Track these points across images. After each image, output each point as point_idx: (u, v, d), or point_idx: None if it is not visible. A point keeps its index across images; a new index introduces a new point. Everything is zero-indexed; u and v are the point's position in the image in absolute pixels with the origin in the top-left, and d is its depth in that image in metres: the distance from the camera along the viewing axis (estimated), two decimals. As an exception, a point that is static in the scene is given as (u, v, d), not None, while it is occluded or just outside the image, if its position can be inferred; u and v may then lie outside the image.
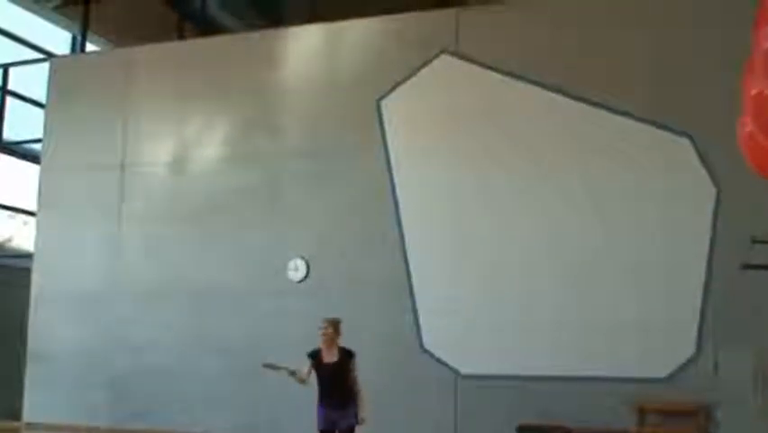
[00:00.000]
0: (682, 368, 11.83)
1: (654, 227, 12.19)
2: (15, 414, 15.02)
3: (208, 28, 17.86)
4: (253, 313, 13.90)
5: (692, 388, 11.67)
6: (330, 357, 8.01)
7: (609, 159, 12.52)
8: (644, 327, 11.97)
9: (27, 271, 15.66)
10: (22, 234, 17.92)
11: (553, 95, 12.83)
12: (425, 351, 13.01)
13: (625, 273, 12.23)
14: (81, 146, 15.64)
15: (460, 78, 13.45)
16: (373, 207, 13.57)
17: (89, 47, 18.14)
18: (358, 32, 14.40)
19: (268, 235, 14.13)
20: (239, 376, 13.78)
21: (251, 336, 13.82)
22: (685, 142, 12.15)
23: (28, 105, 18.08)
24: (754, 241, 10.46)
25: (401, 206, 13.43)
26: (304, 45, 14.74)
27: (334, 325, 8.12)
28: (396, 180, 13.54)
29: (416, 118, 13.60)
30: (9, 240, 17.99)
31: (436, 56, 13.60)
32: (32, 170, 17.19)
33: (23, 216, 17.98)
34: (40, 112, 16.83)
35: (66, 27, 18.95)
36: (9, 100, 17.79)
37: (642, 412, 11.80)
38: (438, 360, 12.92)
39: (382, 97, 13.79)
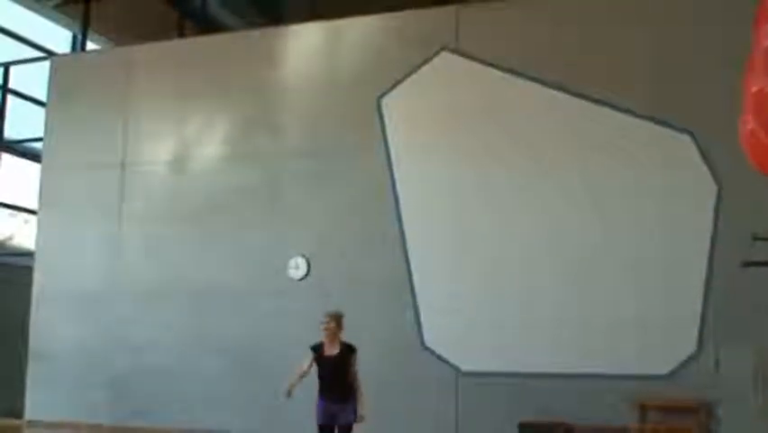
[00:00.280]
0: (683, 365, 11.84)
1: (655, 224, 12.18)
2: (17, 412, 15.03)
3: (208, 26, 17.87)
4: (254, 312, 13.90)
5: (693, 385, 11.67)
6: (331, 350, 8.02)
7: (610, 156, 12.51)
8: (644, 324, 11.97)
9: (28, 270, 15.67)
10: (23, 233, 17.93)
11: (554, 92, 12.83)
12: (426, 348, 13.01)
13: (625, 270, 12.23)
14: (82, 145, 15.65)
15: (460, 76, 13.44)
16: (374, 206, 13.57)
17: (90, 45, 18.14)
18: (358, 30, 14.39)
19: (268, 234, 14.13)
20: (239, 375, 13.80)
21: (252, 334, 13.83)
22: (686, 138, 12.14)
23: (29, 104, 18.08)
24: (755, 238, 10.45)
25: (402, 203, 13.43)
26: (304, 43, 14.74)
27: (337, 319, 8.13)
28: (396, 178, 13.54)
29: (417, 116, 13.60)
30: (10, 238, 17.99)
31: (437, 53, 13.60)
32: (32, 168, 17.19)
33: (24, 215, 17.99)
34: (40, 110, 16.83)
35: (66, 26, 18.95)
36: (10, 99, 17.79)
37: (643, 409, 11.80)
38: (439, 357, 12.93)
39: (383, 95, 13.78)
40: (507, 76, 13.12)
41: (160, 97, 15.35)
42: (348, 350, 8.04)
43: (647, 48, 12.54)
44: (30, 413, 15.04)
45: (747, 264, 10.47)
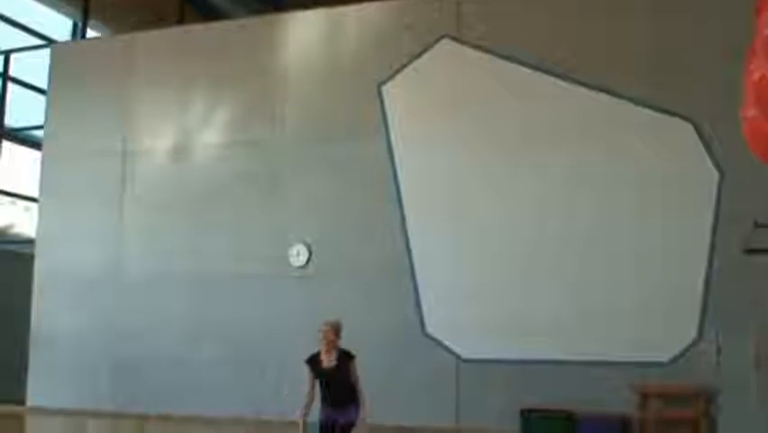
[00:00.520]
0: (684, 353, 11.85)
1: (657, 212, 12.18)
2: (18, 399, 15.05)
3: (209, 13, 17.86)
4: (255, 299, 13.92)
5: (694, 372, 11.68)
6: (329, 362, 7.86)
7: (611, 144, 12.51)
8: (645, 311, 11.98)
9: (29, 257, 15.69)
10: (23, 221, 17.94)
11: (554, 80, 12.81)
12: (427, 336, 13.03)
13: (626, 258, 12.24)
14: (82, 132, 15.63)
15: (461, 64, 13.43)
16: (375, 193, 13.57)
17: (90, 33, 18.13)
18: (359, 17, 14.36)
19: (269, 221, 14.14)
20: (240, 362, 13.82)
21: (253, 322, 13.84)
22: (687, 126, 12.13)
23: (29, 92, 18.05)
24: (757, 225, 10.48)
25: (403, 191, 13.43)
26: (305, 31, 14.71)
27: (335, 328, 7.96)
28: (397, 165, 13.54)
29: (418, 103, 13.59)
30: (11, 226, 18.00)
31: (437, 41, 13.57)
32: (33, 156, 17.18)
33: (25, 202, 17.99)
34: (41, 98, 16.80)
35: (67, 13, 18.92)
36: (10, 86, 17.77)
37: (644, 397, 11.80)
38: (440, 344, 12.94)
39: (383, 83, 13.77)
40: (507, 64, 13.10)
41: (160, 85, 15.33)
42: (346, 357, 7.91)
43: (648, 35, 12.51)
44: (31, 400, 15.08)
45: (749, 252, 10.49)
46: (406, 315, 13.10)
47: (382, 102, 13.73)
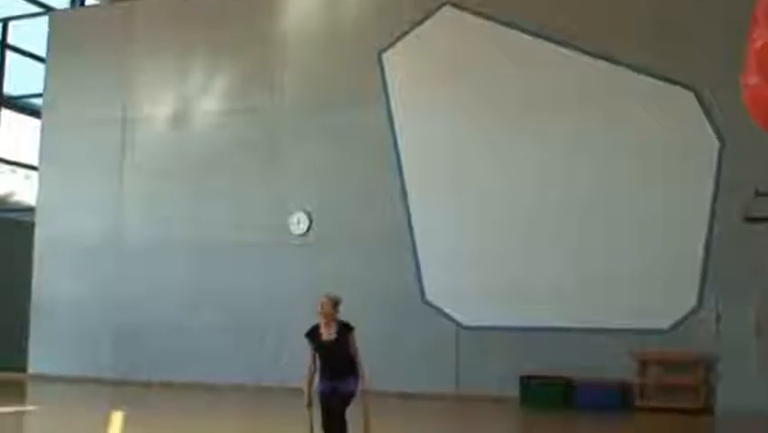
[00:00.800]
0: (684, 320, 11.89)
1: (657, 180, 12.17)
2: (20, 366, 15.11)
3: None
4: (255, 266, 13.94)
5: (694, 340, 11.73)
6: (328, 335, 7.86)
7: (612, 112, 12.48)
8: (646, 279, 12.01)
9: (30, 225, 15.70)
10: (24, 189, 17.91)
11: (556, 47, 12.75)
12: (427, 303, 13.06)
13: (626, 225, 12.25)
14: (82, 100, 15.58)
15: (462, 31, 13.36)
16: (375, 160, 13.56)
17: (89, 0, 17.99)
18: (359, -16, 14.29)
19: (269, 189, 14.13)
20: (240, 329, 13.87)
21: (253, 289, 13.86)
22: (689, 95, 12.09)
23: (29, 60, 17.95)
24: (758, 194, 10.46)
25: (403, 158, 13.41)
26: (305, -3, 14.65)
27: (333, 302, 7.96)
28: (397, 133, 13.51)
29: (418, 71, 13.54)
30: (11, 194, 17.98)
31: (438, 8, 13.50)
32: (33, 124, 17.12)
33: (25, 171, 17.96)
34: (40, 66, 16.72)
35: (65, -20, 18.80)
36: (9, 55, 17.66)
37: (643, 364, 11.86)
38: (440, 312, 12.98)
39: (384, 50, 13.71)
40: (508, 31, 13.03)
41: (160, 52, 15.26)
42: (345, 330, 7.91)
43: (650, 3, 12.46)
44: (32, 368, 15.14)
45: (749, 220, 10.49)
46: (406, 282, 13.13)
47: (383, 69, 13.68)
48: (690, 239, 11.93)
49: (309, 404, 7.75)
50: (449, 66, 13.34)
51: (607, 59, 12.49)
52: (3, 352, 15.32)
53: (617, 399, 11.85)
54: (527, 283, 12.58)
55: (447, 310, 12.98)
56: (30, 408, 12.71)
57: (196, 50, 14.99)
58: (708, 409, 11.58)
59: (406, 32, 13.60)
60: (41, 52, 16.62)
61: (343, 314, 7.75)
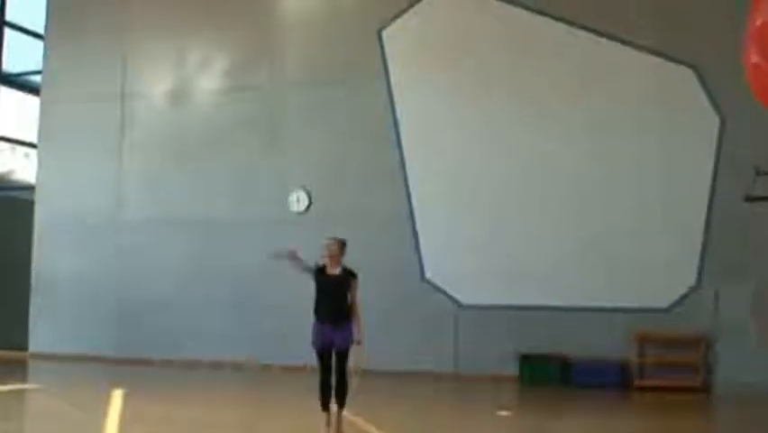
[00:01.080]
0: (683, 299, 11.90)
1: (657, 159, 12.16)
2: (20, 344, 15.14)
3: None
4: (255, 245, 13.90)
5: (692, 319, 11.75)
6: (333, 271, 7.99)
7: (612, 90, 12.45)
8: (645, 257, 12.02)
9: (30, 204, 15.69)
10: (23, 167, 17.89)
11: (557, 23, 12.69)
12: (427, 282, 13.07)
13: (626, 204, 12.25)
14: (81, 78, 15.52)
15: (462, 9, 13.30)
16: (375, 138, 13.53)
17: (88, -24, 17.87)
18: (359, -40, 14.22)
19: (269, 167, 14.11)
20: (240, 307, 13.89)
21: (253, 267, 13.83)
22: (689, 72, 12.06)
23: (27, 37, 17.86)
24: (758, 172, 10.44)
25: (403, 136, 13.38)
26: (304, -26, 14.58)
27: (340, 244, 8.06)
28: (397, 111, 13.48)
29: (418, 48, 13.49)
30: (11, 172, 17.96)
31: (439, -15, 13.46)
32: (32, 101, 17.08)
33: (24, 148, 17.92)
34: (39, 43, 16.65)
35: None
36: (7, 31, 17.56)
37: (642, 342, 11.89)
38: (439, 290, 12.99)
39: (384, 27, 13.65)
40: (510, 9, 12.97)
41: (159, 29, 15.19)
42: (350, 275, 8.02)
43: (652, -20, 12.42)
44: (33, 345, 15.18)
45: (749, 199, 10.47)
46: (406, 261, 13.13)
47: (382, 47, 13.62)
48: (689, 217, 11.93)
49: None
50: (449, 43, 13.29)
51: (608, 37, 12.43)
52: (3, 330, 15.36)
53: (615, 377, 11.88)
54: (526, 262, 12.59)
55: (447, 289, 12.98)
56: (31, 386, 12.73)
57: (196, 27, 14.92)
58: (706, 388, 11.62)
59: (405, 10, 13.53)
60: (40, 29, 16.55)
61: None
